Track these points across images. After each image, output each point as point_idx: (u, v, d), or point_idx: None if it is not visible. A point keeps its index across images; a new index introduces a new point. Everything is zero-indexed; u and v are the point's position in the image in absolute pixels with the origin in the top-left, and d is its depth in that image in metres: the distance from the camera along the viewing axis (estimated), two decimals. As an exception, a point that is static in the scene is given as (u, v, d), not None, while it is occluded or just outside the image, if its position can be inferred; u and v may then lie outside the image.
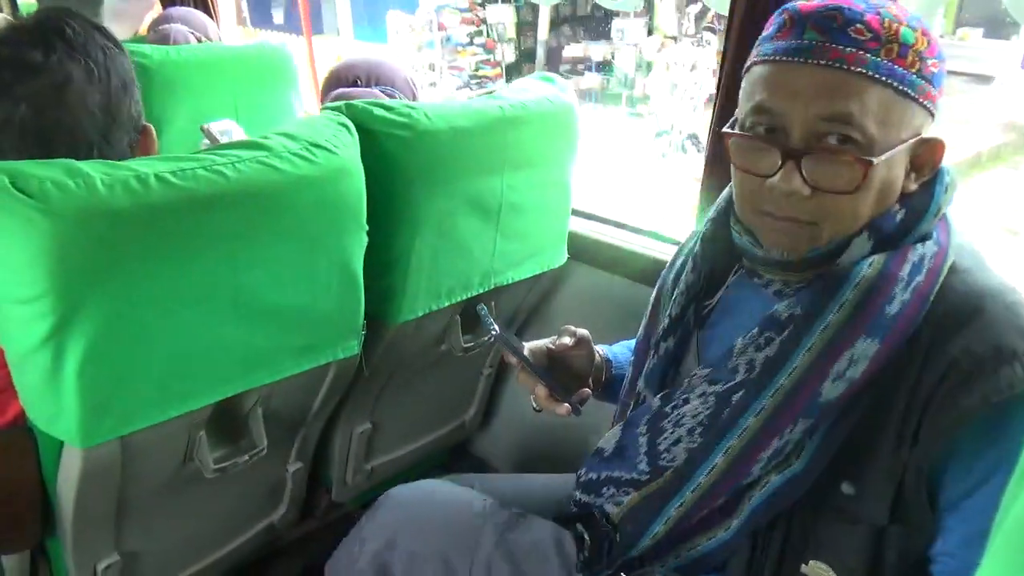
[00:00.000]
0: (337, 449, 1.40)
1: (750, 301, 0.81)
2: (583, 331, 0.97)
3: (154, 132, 1.04)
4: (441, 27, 8.18)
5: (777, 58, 0.70)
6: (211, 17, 2.28)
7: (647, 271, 1.41)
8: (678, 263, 0.90)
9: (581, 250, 1.47)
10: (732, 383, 0.76)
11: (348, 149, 0.96)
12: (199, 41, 1.98)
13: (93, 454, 0.88)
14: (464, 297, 1.26)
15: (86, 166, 0.78)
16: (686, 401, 0.80)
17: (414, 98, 1.33)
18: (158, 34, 1.95)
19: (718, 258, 0.85)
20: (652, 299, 0.93)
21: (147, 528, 1.11)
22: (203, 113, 1.74)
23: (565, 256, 1.42)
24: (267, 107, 1.85)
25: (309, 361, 1.04)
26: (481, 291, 1.28)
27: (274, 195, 0.87)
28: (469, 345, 1.36)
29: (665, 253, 1.40)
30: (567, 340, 0.94)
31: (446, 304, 1.23)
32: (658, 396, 0.84)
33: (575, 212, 1.46)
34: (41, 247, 0.74)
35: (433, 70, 8.27)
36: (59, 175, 0.75)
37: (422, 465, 1.66)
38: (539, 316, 1.57)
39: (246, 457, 1.06)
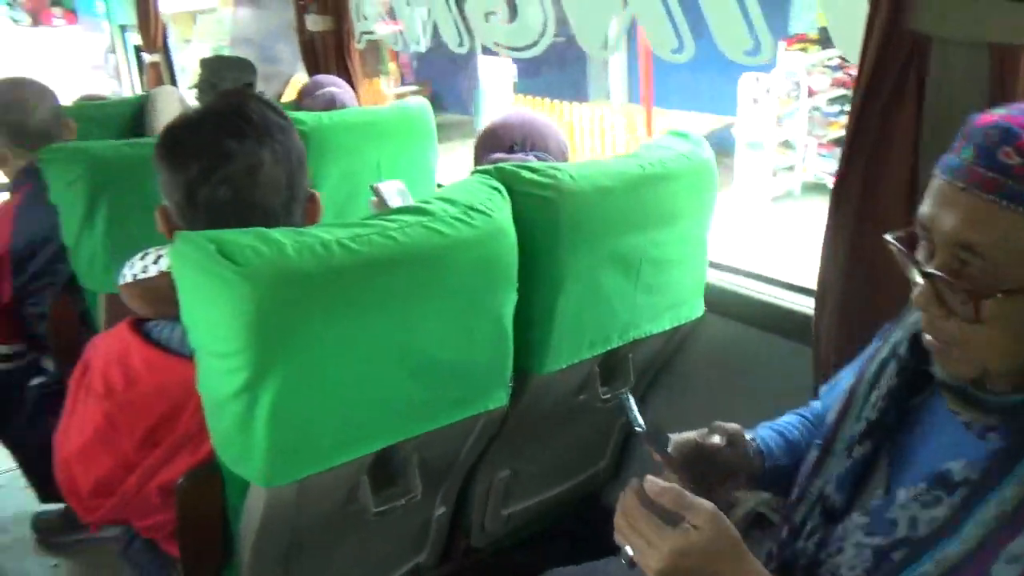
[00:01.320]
0: (477, 495, 1.45)
1: (944, 421, 0.75)
2: (735, 427, 0.90)
3: (319, 198, 1.14)
4: (811, 92, 5.97)
5: (938, 173, 0.68)
6: (351, 83, 2.46)
7: (783, 323, 1.39)
8: (881, 355, 0.83)
9: (717, 302, 1.47)
10: (892, 539, 0.71)
11: (502, 211, 1.02)
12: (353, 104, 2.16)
13: (274, 494, 0.97)
14: (604, 349, 1.29)
15: (276, 234, 0.87)
16: (840, 551, 0.75)
17: (564, 160, 1.39)
18: (321, 98, 2.13)
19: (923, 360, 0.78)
20: (846, 393, 0.85)
21: (313, 565, 1.19)
22: (352, 171, 1.88)
23: (702, 308, 1.43)
24: (407, 163, 1.97)
25: (462, 412, 1.10)
26: (620, 343, 1.31)
27: (438, 257, 0.94)
28: (607, 396, 1.38)
29: (802, 305, 1.38)
30: (717, 439, 0.87)
31: (587, 356, 1.26)
32: (812, 540, 0.78)
33: (712, 264, 1.47)
34: (240, 308, 0.83)
35: (793, 148, 6.11)
36: (255, 242, 0.85)
37: (555, 513, 1.68)
38: (674, 368, 1.57)
39: (403, 501, 1.13)
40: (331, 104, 2.08)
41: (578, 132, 6.80)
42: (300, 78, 2.90)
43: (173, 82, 3.93)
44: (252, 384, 0.87)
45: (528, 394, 1.23)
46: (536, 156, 1.33)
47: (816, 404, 0.98)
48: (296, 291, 0.85)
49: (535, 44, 1.66)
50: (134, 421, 1.03)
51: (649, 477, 0.73)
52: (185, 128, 1.03)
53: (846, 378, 0.88)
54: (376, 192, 1.42)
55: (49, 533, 2.34)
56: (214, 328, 0.86)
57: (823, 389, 0.94)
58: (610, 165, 1.18)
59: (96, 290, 1.63)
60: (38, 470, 2.25)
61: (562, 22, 1.62)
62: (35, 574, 2.26)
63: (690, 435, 0.88)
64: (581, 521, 1.84)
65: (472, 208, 0.99)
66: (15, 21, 3.99)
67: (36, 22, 3.97)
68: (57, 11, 3.98)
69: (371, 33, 2.51)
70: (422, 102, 1.97)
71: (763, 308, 1.44)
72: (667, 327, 1.37)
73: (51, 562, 2.29)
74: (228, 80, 2.38)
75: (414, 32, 2.25)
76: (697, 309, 1.42)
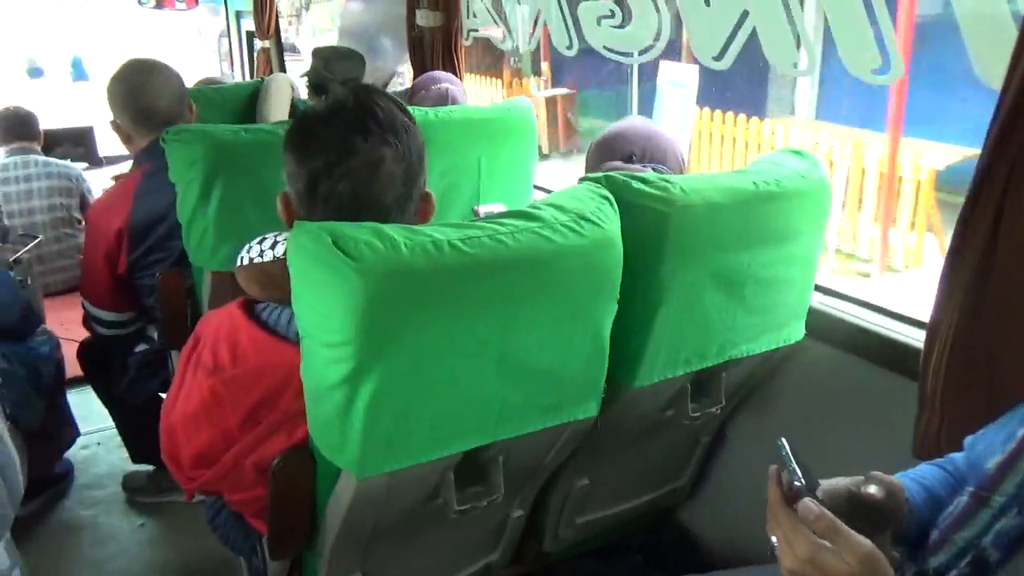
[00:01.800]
0: (555, 501, 1.44)
1: None
2: (894, 481, 0.82)
3: (433, 198, 1.16)
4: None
5: None
6: (458, 75, 2.49)
7: (888, 354, 1.33)
8: None
9: (819, 327, 1.42)
10: None
11: (611, 222, 1.01)
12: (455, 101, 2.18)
13: (365, 484, 0.98)
14: (699, 367, 1.26)
15: (390, 230, 0.88)
16: None
17: (681, 174, 1.37)
18: (435, 93, 2.16)
19: None
20: (1016, 441, 0.76)
21: (389, 554, 1.21)
22: (453, 167, 1.89)
23: (803, 332, 1.38)
24: (507, 162, 1.97)
25: (553, 419, 1.09)
26: (716, 362, 1.28)
27: (546, 263, 0.94)
28: (696, 414, 1.35)
29: (910, 337, 1.32)
30: (875, 490, 0.79)
31: (681, 372, 1.24)
32: None
33: (816, 287, 1.42)
34: (351, 300, 0.84)
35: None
36: (371, 238, 0.86)
37: (629, 526, 1.66)
38: (767, 391, 1.53)
39: (485, 502, 1.13)
40: (443, 100, 2.11)
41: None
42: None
43: (282, 68, 4.07)
44: (355, 375, 0.89)
45: (618, 406, 1.22)
46: (655, 169, 1.31)
47: (957, 457, 0.91)
48: (406, 288, 0.86)
49: (649, 49, 1.64)
50: (238, 398, 1.07)
51: (806, 500, 0.69)
52: (316, 120, 1.06)
53: (1012, 424, 0.79)
54: (476, 216, 1.44)
55: (137, 492, 2.46)
56: (324, 317, 0.88)
57: (968, 440, 0.87)
58: (722, 180, 1.15)
59: (203, 267, 1.69)
60: (132, 432, 2.37)
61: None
62: (123, 530, 2.37)
63: (841, 483, 0.81)
64: (654, 537, 1.82)
65: (582, 217, 0.98)
66: (141, 3, 4.22)
67: (159, 5, 4.18)
68: (180, -6, 4.20)
69: (477, 31, 2.53)
70: (527, 102, 1.97)
71: (867, 337, 1.38)
72: (765, 349, 1.33)
73: (138, 521, 2.40)
74: (338, 72, 2.45)
75: (523, 32, 2.26)
76: (797, 332, 1.38)
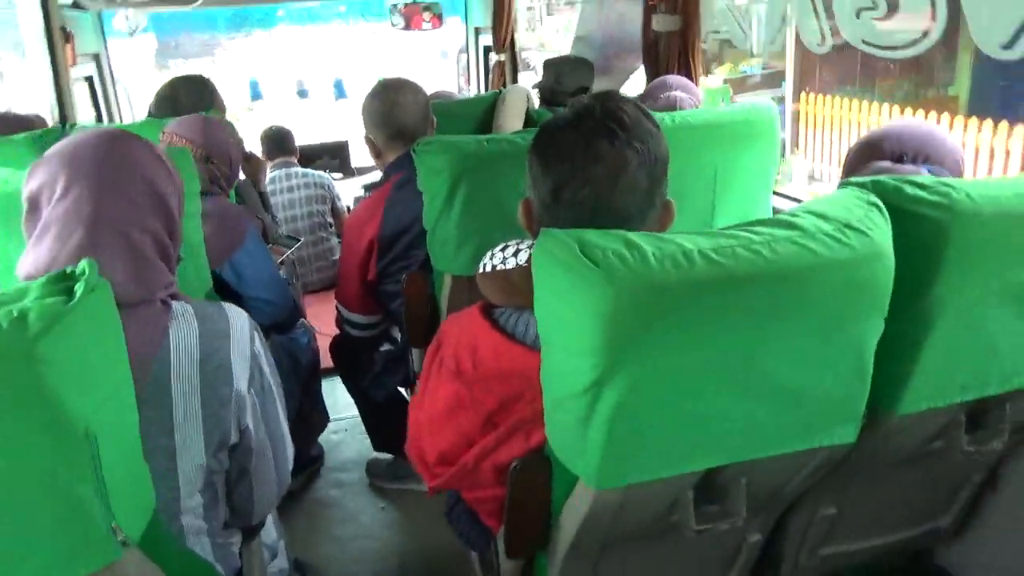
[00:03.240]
0: (796, 528, 1.34)
1: None
2: None
3: (674, 206, 1.12)
4: None
5: None
6: (693, 80, 2.41)
7: None
8: None
9: None
10: None
11: (880, 231, 0.91)
12: (694, 107, 2.12)
13: (602, 495, 0.97)
14: (978, 395, 1.10)
15: (639, 239, 0.86)
16: None
17: None
18: (664, 101, 2.13)
19: None
20: None
21: (620, 567, 1.18)
22: (687, 172, 1.83)
23: (1115, 362, 1.16)
24: (746, 168, 1.88)
25: (803, 442, 1.01)
26: (1000, 391, 1.11)
27: (806, 277, 0.87)
28: (971, 448, 1.19)
29: None
30: None
31: (956, 401, 1.09)
32: None
33: None
34: (598, 310, 0.83)
35: None
36: (619, 246, 0.84)
37: (878, 565, 1.50)
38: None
39: (726, 524, 1.07)
40: (671, 108, 2.06)
41: None
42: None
43: (515, 80, 4.22)
44: (598, 384, 0.87)
45: (877, 433, 1.10)
46: (930, 171, 1.18)
47: None
48: (654, 299, 0.83)
49: (914, 44, 1.47)
50: (478, 401, 1.10)
51: None
52: (562, 127, 1.07)
53: None
54: None
55: (378, 478, 2.66)
56: (568, 325, 0.87)
57: None
58: (1014, 185, 0.99)
59: (444, 270, 1.79)
60: (375, 422, 2.56)
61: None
62: (366, 512, 2.57)
63: None
64: (908, 576, 1.64)
65: (848, 226, 0.89)
66: (394, 25, 4.61)
67: (408, 26, 4.53)
68: (426, 16, 4.51)
69: (718, 32, 2.44)
70: (770, 105, 1.87)
71: None
72: (1064, 379, 1.14)
73: (380, 504, 2.59)
74: (569, 82, 2.48)
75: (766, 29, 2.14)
76: (1108, 363, 1.16)
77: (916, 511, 1.44)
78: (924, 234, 0.95)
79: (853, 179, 1.02)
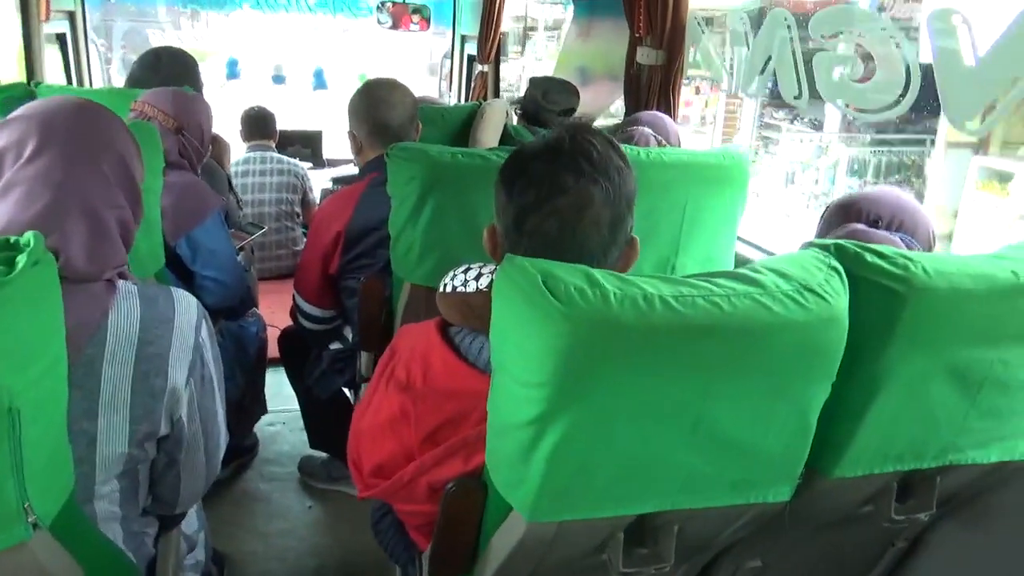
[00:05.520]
0: (721, 577, 1.34)
1: None
2: None
3: (638, 244, 1.12)
4: None
5: None
6: (673, 116, 2.44)
7: None
8: None
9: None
10: None
11: (838, 298, 0.92)
12: (659, 144, 2.13)
13: (534, 528, 0.96)
14: (912, 467, 1.12)
15: (602, 277, 0.85)
16: None
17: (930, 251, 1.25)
18: (626, 134, 2.14)
19: None
20: None
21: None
22: (655, 208, 1.84)
23: (1042, 448, 1.20)
24: (713, 210, 1.89)
25: (740, 497, 1.01)
26: (932, 465, 1.13)
27: (761, 334, 0.87)
28: (899, 517, 1.21)
29: None
30: None
31: (890, 469, 1.11)
32: None
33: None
34: (554, 344, 0.82)
35: None
36: (581, 282, 0.84)
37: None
38: (986, 506, 1.34)
39: (652, 569, 1.07)
40: (628, 141, 2.08)
41: None
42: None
43: (497, 93, 4.22)
44: (544, 418, 0.86)
45: (811, 494, 1.11)
46: (903, 240, 1.20)
47: None
48: (611, 340, 0.82)
49: (892, 107, 1.51)
50: (424, 417, 1.09)
51: None
52: (531, 156, 1.06)
53: None
54: None
55: (310, 476, 2.61)
56: (523, 355, 0.86)
57: None
58: (974, 265, 1.02)
59: (403, 278, 1.76)
60: (314, 419, 2.53)
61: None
62: (294, 509, 2.52)
63: None
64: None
65: (808, 288, 0.90)
66: (380, 23, 4.59)
67: (395, 26, 4.52)
68: (415, 18, 4.49)
69: (698, 67, 2.48)
70: (743, 151, 1.89)
71: None
72: (995, 459, 1.16)
73: (307, 502, 2.54)
74: (555, 102, 2.49)
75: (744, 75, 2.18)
76: (1035, 448, 1.19)
77: (839, 571, 1.46)
78: (880, 304, 0.96)
79: (817, 240, 1.03)
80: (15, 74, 3.34)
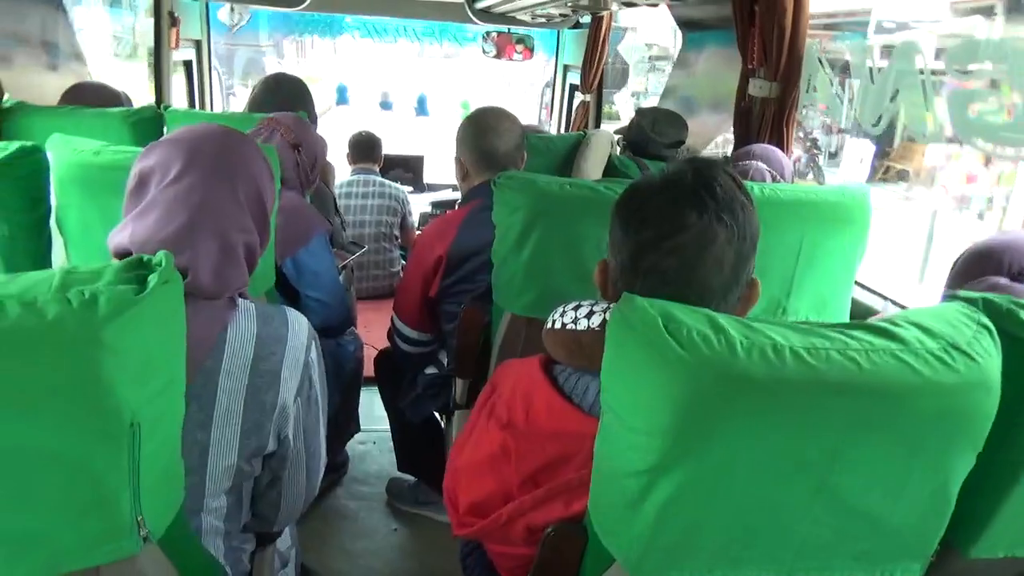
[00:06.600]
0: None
1: None
2: None
3: (759, 285, 1.07)
4: None
5: None
6: (786, 150, 2.35)
7: None
8: None
9: None
10: None
11: (990, 359, 0.83)
12: (774, 179, 2.05)
13: (637, 583, 0.91)
14: (1060, 550, 1.01)
15: (727, 322, 0.80)
16: None
17: None
18: (738, 168, 2.08)
19: None
20: None
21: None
22: (770, 249, 1.76)
23: None
24: (830, 251, 1.80)
25: (863, 571, 0.92)
26: (1085, 549, 1.02)
27: (902, 395, 0.80)
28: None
29: None
30: None
31: (1036, 551, 1.00)
32: None
33: None
34: (674, 393, 0.78)
35: None
36: (705, 328, 0.79)
37: None
38: None
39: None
40: (743, 176, 2.01)
41: None
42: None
43: (598, 123, 4.21)
44: (657, 469, 0.82)
45: (944, 573, 1.01)
46: None
47: None
48: (736, 393, 0.77)
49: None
50: (525, 456, 1.06)
51: None
52: (650, 191, 1.03)
53: None
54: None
55: (398, 498, 2.62)
56: (638, 401, 0.82)
57: None
58: None
59: (504, 307, 1.75)
60: (405, 442, 2.53)
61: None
62: (380, 530, 2.53)
63: None
64: None
65: (955, 347, 0.82)
66: (484, 52, 4.66)
67: (499, 55, 4.58)
68: (519, 47, 4.54)
69: (812, 104, 2.39)
70: (865, 189, 1.79)
71: None
72: None
73: (393, 525, 2.55)
74: (664, 134, 2.44)
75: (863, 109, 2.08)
76: None
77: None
78: (1035, 367, 0.88)
79: (962, 292, 0.95)
80: (145, 97, 3.57)
